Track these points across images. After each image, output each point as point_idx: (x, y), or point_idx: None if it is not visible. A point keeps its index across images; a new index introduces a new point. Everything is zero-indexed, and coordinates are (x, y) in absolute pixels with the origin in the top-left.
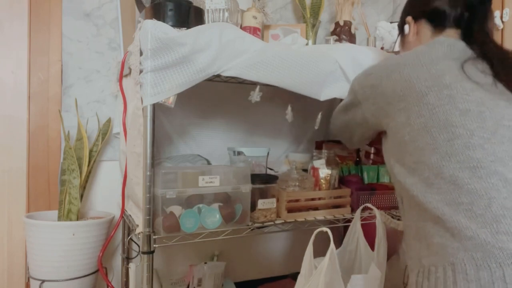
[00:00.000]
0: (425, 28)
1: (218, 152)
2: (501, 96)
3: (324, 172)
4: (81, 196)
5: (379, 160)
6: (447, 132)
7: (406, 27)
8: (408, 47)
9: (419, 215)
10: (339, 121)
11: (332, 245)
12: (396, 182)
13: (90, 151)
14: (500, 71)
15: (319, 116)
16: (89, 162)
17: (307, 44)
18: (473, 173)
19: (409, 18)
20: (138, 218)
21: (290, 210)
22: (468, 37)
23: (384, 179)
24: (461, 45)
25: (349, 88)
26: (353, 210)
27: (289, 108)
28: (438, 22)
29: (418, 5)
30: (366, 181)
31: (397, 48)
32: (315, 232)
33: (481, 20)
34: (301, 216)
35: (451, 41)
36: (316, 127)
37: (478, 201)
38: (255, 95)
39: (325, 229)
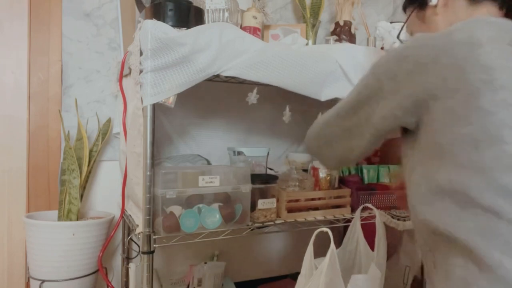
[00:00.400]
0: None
1: (218, 152)
2: None
3: (324, 172)
4: (81, 196)
5: (376, 160)
6: (496, 149)
7: None
8: (434, 22)
9: (445, 244)
10: (333, 130)
11: (332, 245)
12: (418, 205)
13: (90, 151)
14: None
15: (319, 116)
16: (89, 162)
17: (307, 44)
18: None
19: None
20: (138, 218)
21: (290, 210)
22: None
23: (384, 179)
24: (510, 26)
25: (361, 79)
26: (353, 210)
27: (287, 109)
28: None
29: None
30: (366, 181)
31: None
32: (316, 232)
33: None
34: (301, 216)
35: (499, 21)
36: None
37: None
38: (252, 97)
39: (325, 229)
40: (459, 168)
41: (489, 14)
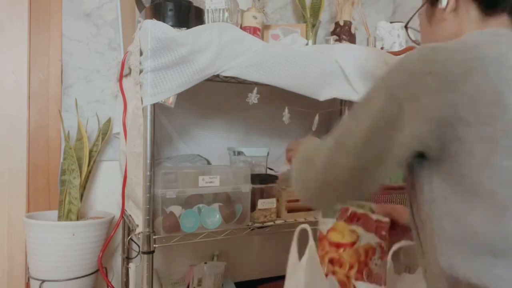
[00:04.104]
0: (470, 7)
1: (218, 152)
2: None
3: None
4: (81, 196)
5: None
6: None
7: None
8: (440, 27)
9: None
10: (341, 172)
11: (311, 241)
12: (441, 249)
13: (90, 151)
14: None
15: (316, 117)
16: (89, 162)
17: (307, 44)
18: None
19: None
20: (138, 218)
21: (290, 210)
22: None
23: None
24: None
25: (369, 100)
26: None
27: (286, 110)
28: (491, 3)
29: None
30: None
31: (397, 48)
32: (298, 228)
33: None
34: (301, 216)
35: None
36: (313, 129)
37: None
38: (253, 97)
39: (304, 225)
40: (497, 208)
41: (501, 26)
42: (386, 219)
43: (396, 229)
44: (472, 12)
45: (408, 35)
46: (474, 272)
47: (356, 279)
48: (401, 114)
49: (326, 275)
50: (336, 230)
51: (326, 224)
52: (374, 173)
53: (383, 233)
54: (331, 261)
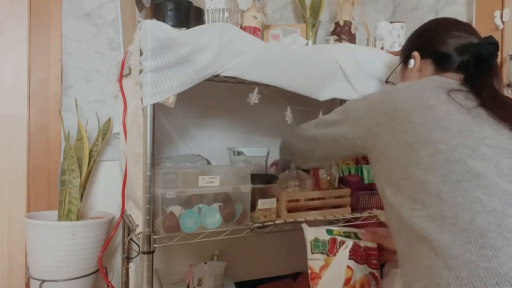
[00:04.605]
0: (429, 67)
1: (218, 152)
2: (484, 121)
3: (324, 172)
4: (81, 196)
5: None
6: (429, 148)
7: (412, 61)
8: (408, 80)
9: (407, 238)
10: (308, 133)
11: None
12: (387, 206)
13: (90, 151)
14: (487, 100)
15: (320, 114)
16: (89, 162)
17: (307, 44)
18: (456, 186)
19: (416, 54)
20: (138, 218)
21: (290, 210)
22: (469, 82)
23: None
24: (455, 83)
25: (342, 107)
26: (353, 210)
27: (289, 110)
28: (442, 64)
29: (429, 45)
30: (366, 181)
31: (397, 48)
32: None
33: (486, 71)
34: (301, 216)
35: (446, 80)
36: None
37: (462, 214)
38: (254, 97)
39: (303, 225)
40: (405, 168)
41: (448, 78)
42: (374, 245)
43: (382, 252)
44: (430, 70)
45: (388, 83)
46: (404, 214)
47: None
48: (345, 119)
49: None
50: (329, 266)
51: (317, 261)
52: (321, 147)
53: (374, 261)
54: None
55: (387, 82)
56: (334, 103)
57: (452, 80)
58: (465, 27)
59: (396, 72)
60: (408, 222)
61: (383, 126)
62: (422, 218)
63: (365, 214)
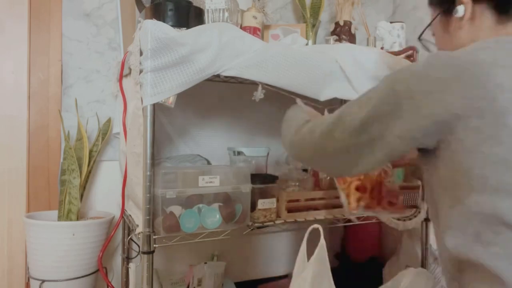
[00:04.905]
0: (485, 14)
1: (218, 152)
2: None
3: None
4: (81, 196)
5: None
6: None
7: (461, 7)
8: (457, 35)
9: (471, 275)
10: (334, 144)
11: (322, 240)
12: (446, 230)
13: (90, 151)
14: None
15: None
16: (89, 162)
17: (307, 44)
18: None
19: None
20: (138, 218)
21: (290, 210)
22: None
23: None
24: None
25: (373, 92)
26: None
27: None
28: (506, 9)
29: None
30: None
31: (397, 48)
32: (309, 229)
33: None
34: (301, 216)
35: None
36: None
37: None
38: (258, 94)
39: (316, 225)
40: (490, 191)
41: None
42: None
43: None
44: (487, 19)
45: (426, 47)
46: (471, 249)
47: (378, 202)
48: (399, 109)
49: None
50: None
51: None
52: (365, 155)
53: None
54: (358, 189)
55: (419, 39)
56: (333, 103)
57: None
58: None
59: (432, 26)
60: (478, 255)
61: (463, 121)
62: (499, 256)
63: (365, 214)
